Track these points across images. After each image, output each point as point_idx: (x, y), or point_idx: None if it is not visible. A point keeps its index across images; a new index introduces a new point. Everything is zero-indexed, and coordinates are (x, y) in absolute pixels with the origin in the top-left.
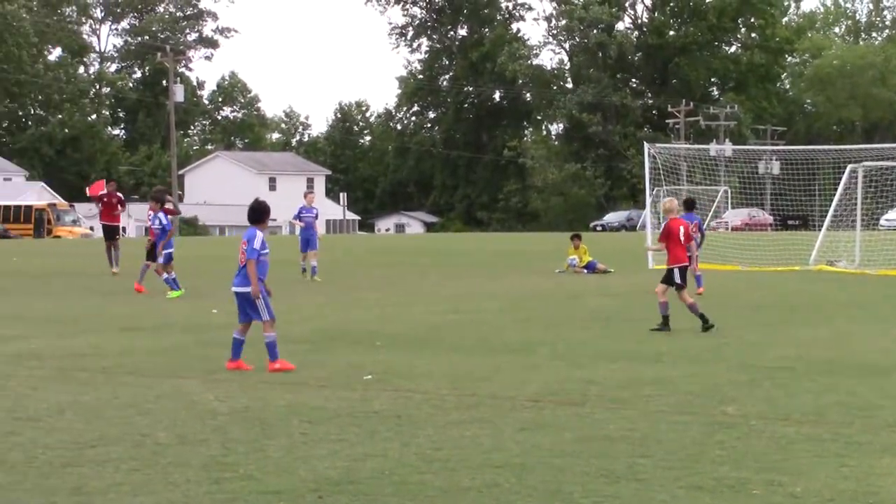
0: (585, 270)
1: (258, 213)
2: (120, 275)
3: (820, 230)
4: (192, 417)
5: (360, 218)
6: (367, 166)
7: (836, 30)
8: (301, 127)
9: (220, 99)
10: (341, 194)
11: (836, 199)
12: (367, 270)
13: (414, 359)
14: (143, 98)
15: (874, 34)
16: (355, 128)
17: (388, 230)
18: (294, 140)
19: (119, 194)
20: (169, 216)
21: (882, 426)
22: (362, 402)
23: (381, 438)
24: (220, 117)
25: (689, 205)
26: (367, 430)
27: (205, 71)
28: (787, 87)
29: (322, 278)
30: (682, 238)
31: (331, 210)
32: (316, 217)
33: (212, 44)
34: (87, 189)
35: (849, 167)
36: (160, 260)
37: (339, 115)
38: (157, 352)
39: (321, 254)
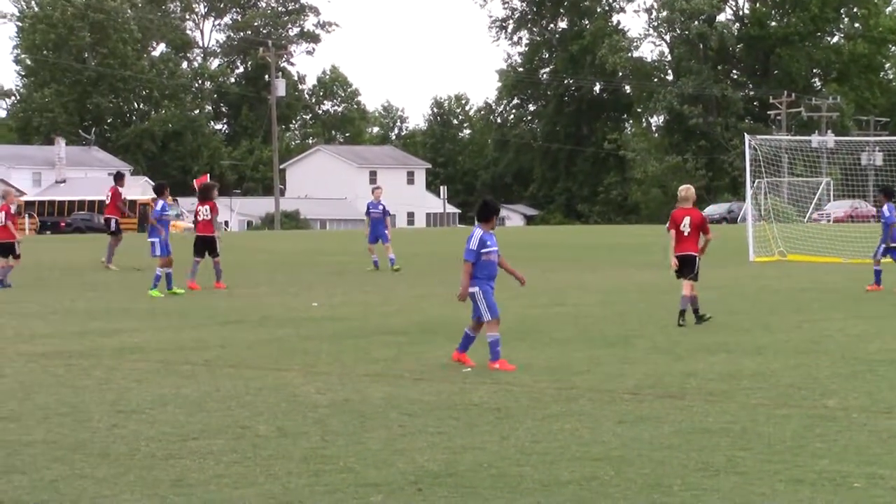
0: None
1: (485, 210)
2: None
3: None
4: (293, 410)
5: (460, 211)
6: (466, 160)
7: None
8: (399, 120)
9: (320, 93)
10: (441, 188)
11: None
12: None
13: (513, 351)
14: (246, 93)
15: None
16: (455, 121)
17: None
18: (392, 134)
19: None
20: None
21: None
22: (461, 395)
23: (480, 431)
24: (320, 111)
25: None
26: (465, 423)
27: (306, 65)
28: (891, 77)
29: (417, 270)
30: (686, 228)
31: (431, 203)
32: (384, 212)
33: (313, 38)
34: (194, 182)
35: None
36: (158, 253)
37: (435, 109)
38: (259, 345)
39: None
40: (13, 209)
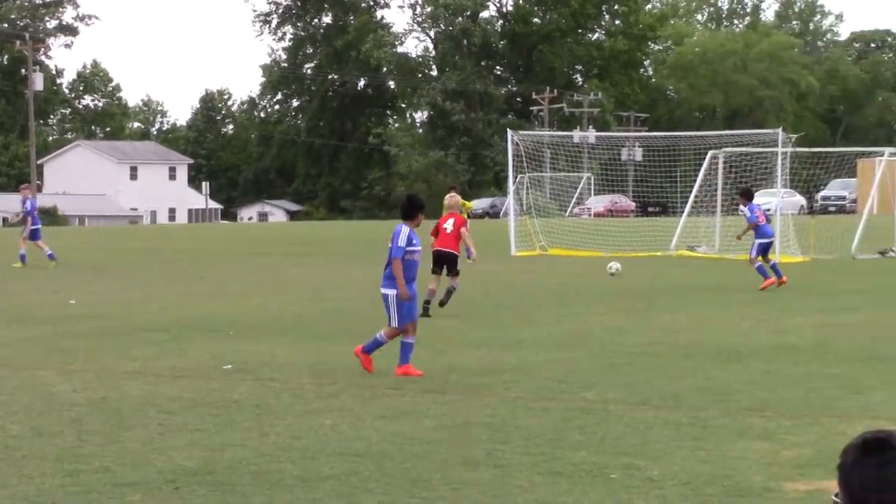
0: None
1: (410, 207)
2: None
3: (680, 216)
4: (48, 409)
5: (222, 207)
6: (229, 155)
7: (699, 17)
8: (160, 115)
9: (80, 87)
10: (203, 183)
11: (697, 184)
12: (230, 260)
13: (275, 348)
14: (2, 87)
15: (735, 21)
16: (218, 117)
17: (250, 219)
18: (154, 129)
19: None
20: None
21: (738, 410)
22: (221, 392)
23: (240, 428)
24: (80, 106)
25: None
26: (225, 420)
27: (65, 59)
28: (650, 73)
29: (179, 268)
30: (449, 227)
31: (193, 199)
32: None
33: (72, 31)
34: None
35: (710, 153)
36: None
37: (202, 104)
38: (14, 343)
39: (171, 244)
40: None
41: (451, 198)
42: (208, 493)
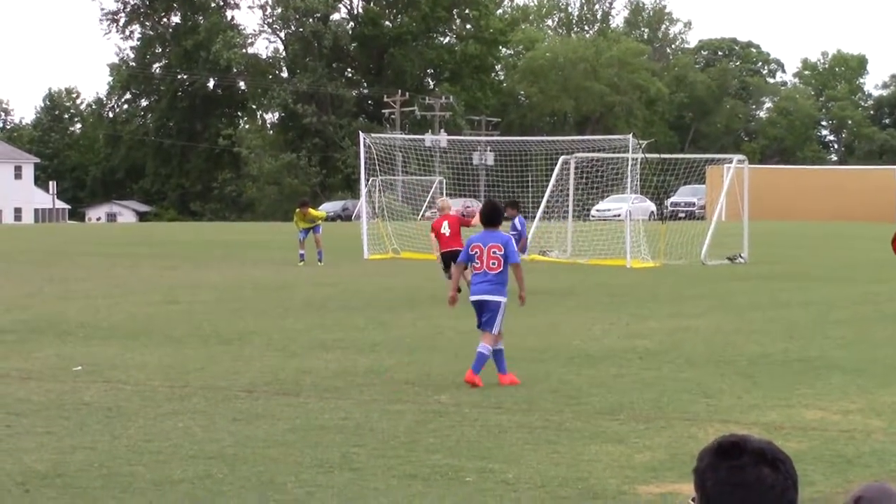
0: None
1: (497, 213)
2: None
3: (532, 220)
4: None
5: (69, 207)
6: (77, 154)
7: (549, 22)
8: (4, 113)
9: None
10: (50, 182)
11: (548, 189)
12: (78, 260)
13: (125, 350)
14: None
15: (585, 27)
16: (65, 115)
17: (99, 219)
18: None
19: None
20: None
21: (591, 413)
22: (71, 394)
23: (91, 431)
24: None
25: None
26: (76, 423)
27: None
28: (502, 78)
29: (24, 268)
30: (446, 230)
31: (40, 199)
32: None
33: None
34: None
35: (561, 158)
36: None
37: (48, 102)
38: None
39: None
40: None
41: (443, 201)
42: (58, 496)
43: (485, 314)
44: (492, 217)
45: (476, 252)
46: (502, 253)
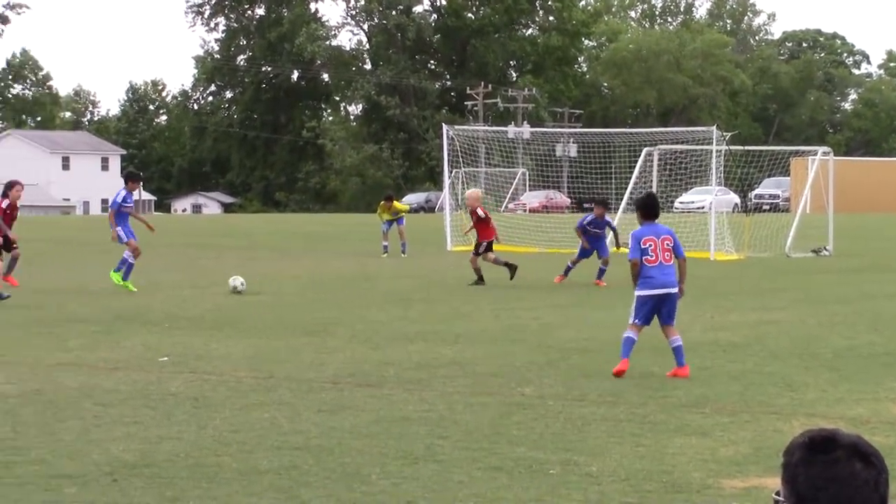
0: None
1: (655, 206)
2: None
3: (616, 212)
4: None
5: (155, 198)
6: (162, 146)
7: (633, 14)
8: (91, 105)
9: (10, 76)
10: None
11: (632, 181)
12: (165, 251)
13: (211, 341)
14: None
15: (669, 19)
16: (151, 107)
17: (184, 211)
18: (85, 119)
19: None
20: None
21: (676, 406)
22: (158, 385)
23: (177, 421)
24: (10, 95)
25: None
26: (162, 413)
27: None
28: (584, 70)
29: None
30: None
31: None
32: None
33: (2, 19)
34: None
35: (645, 150)
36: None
37: (131, 95)
38: None
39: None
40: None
41: (469, 194)
42: (146, 486)
43: (666, 306)
44: (654, 210)
45: (650, 245)
46: (672, 245)
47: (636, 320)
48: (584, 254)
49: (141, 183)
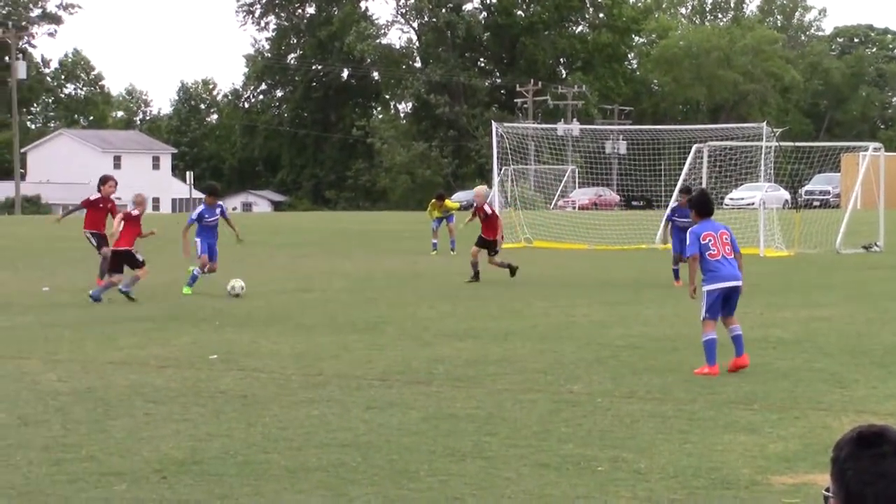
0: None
1: (711, 203)
2: None
3: (665, 209)
4: (34, 398)
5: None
6: (213, 144)
7: (682, 10)
8: (143, 104)
9: (63, 76)
10: (187, 172)
11: (682, 177)
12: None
13: (260, 338)
14: None
15: (719, 16)
16: (202, 106)
17: (234, 209)
18: (137, 118)
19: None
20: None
21: (724, 403)
22: (207, 382)
23: (227, 418)
24: (63, 95)
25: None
26: (211, 410)
27: (48, 47)
28: (634, 66)
29: (168, 256)
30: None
31: (177, 188)
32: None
33: (55, 20)
34: None
35: (694, 147)
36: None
37: (183, 94)
38: None
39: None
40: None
41: (477, 189)
42: (195, 484)
43: (732, 298)
44: (708, 207)
45: (710, 240)
46: (730, 239)
47: (708, 315)
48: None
49: (217, 196)
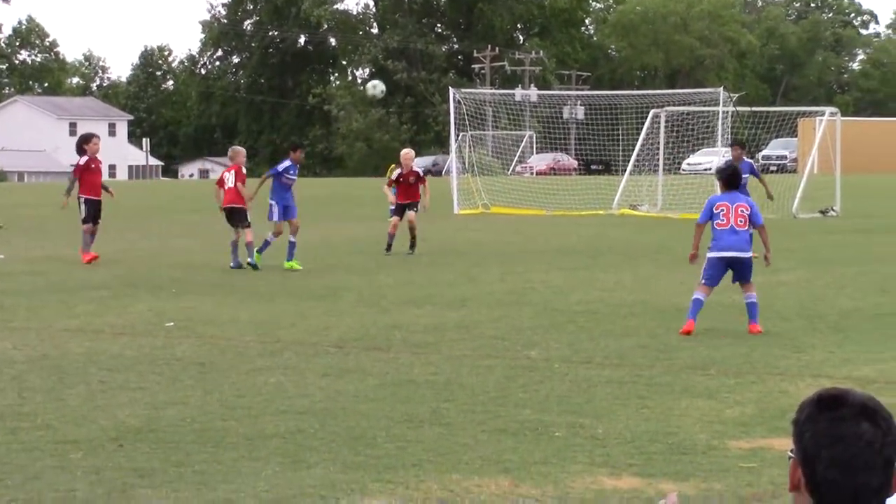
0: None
1: (739, 177)
2: None
3: (623, 174)
4: None
5: (163, 164)
6: (170, 111)
7: None
8: (101, 71)
9: (16, 43)
10: (144, 139)
11: (639, 143)
12: (172, 217)
13: (218, 306)
14: None
15: None
16: (158, 73)
17: (192, 176)
18: (94, 84)
19: None
20: None
21: (681, 368)
22: (164, 350)
23: (183, 386)
24: (17, 62)
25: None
26: (168, 378)
27: (1, 14)
28: (592, 32)
29: (123, 224)
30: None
31: (133, 155)
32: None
33: None
34: None
35: (651, 112)
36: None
37: (142, 60)
38: None
39: (112, 200)
40: (244, 170)
41: (406, 153)
42: (152, 451)
43: (738, 270)
44: (734, 180)
45: (722, 210)
46: (749, 213)
47: (704, 280)
48: None
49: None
